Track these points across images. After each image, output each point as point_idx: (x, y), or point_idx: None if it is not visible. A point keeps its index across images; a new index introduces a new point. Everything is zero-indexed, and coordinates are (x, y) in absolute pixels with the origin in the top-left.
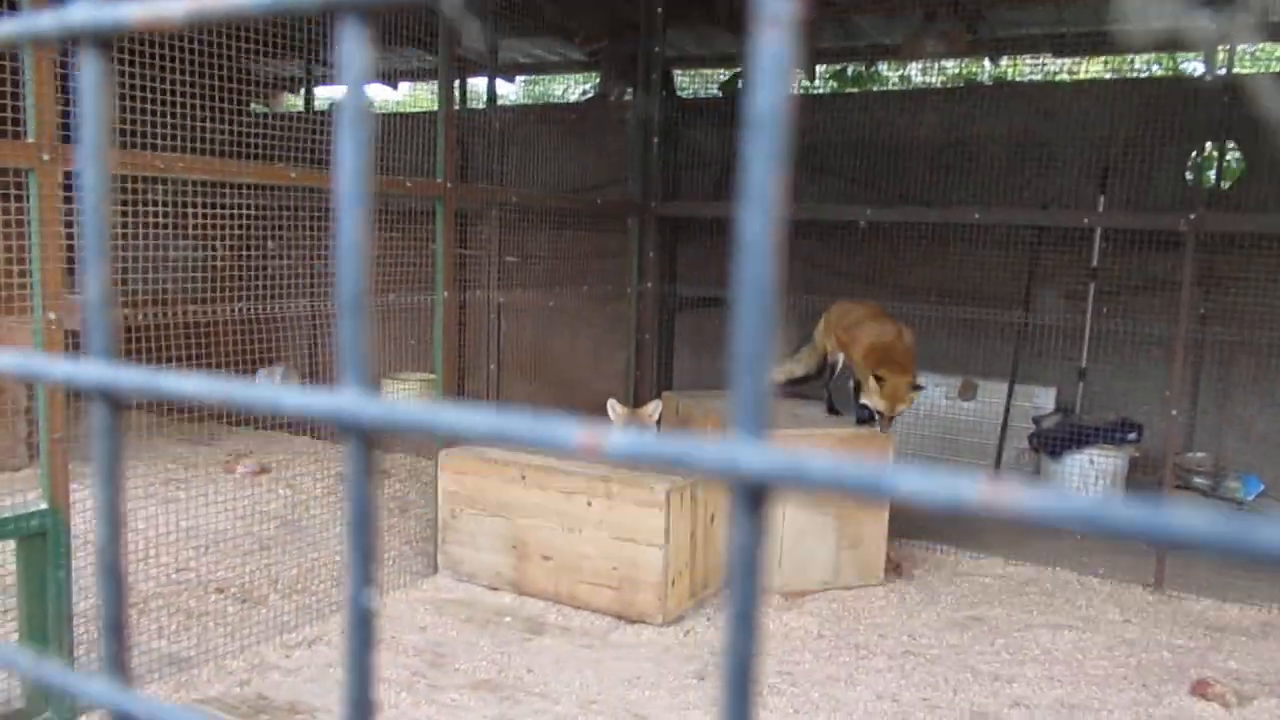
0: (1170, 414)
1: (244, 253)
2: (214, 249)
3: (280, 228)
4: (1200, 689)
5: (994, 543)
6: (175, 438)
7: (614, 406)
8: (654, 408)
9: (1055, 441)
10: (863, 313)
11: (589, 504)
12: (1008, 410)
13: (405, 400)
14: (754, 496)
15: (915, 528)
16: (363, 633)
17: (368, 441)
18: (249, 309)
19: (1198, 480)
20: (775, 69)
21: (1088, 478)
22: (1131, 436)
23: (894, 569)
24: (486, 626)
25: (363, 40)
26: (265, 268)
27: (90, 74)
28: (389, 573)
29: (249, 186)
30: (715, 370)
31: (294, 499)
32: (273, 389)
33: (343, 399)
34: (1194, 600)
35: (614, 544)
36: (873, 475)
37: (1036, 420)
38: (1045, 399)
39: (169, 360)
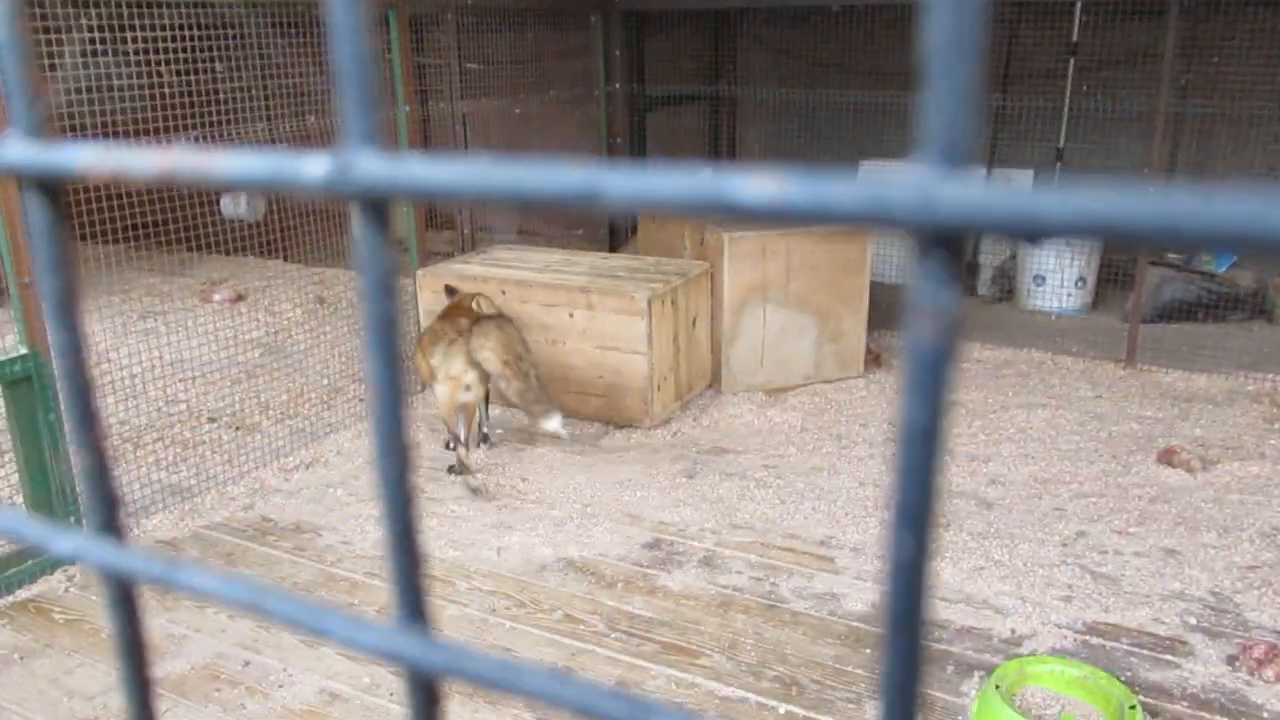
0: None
1: (191, 77)
2: (159, 74)
3: (227, 48)
4: (1167, 456)
5: (972, 328)
6: (146, 269)
7: None
8: None
9: None
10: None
11: (570, 315)
12: None
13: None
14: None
15: (894, 319)
16: (394, 456)
17: (426, 686)
18: (203, 134)
19: (1171, 255)
20: None
21: (1064, 259)
22: None
23: (874, 360)
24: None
25: None
26: (216, 91)
27: None
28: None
29: (189, 4)
30: None
31: (274, 325)
32: (317, 615)
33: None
34: (1163, 373)
35: (598, 353)
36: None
37: None
38: (1023, 182)
39: (128, 194)
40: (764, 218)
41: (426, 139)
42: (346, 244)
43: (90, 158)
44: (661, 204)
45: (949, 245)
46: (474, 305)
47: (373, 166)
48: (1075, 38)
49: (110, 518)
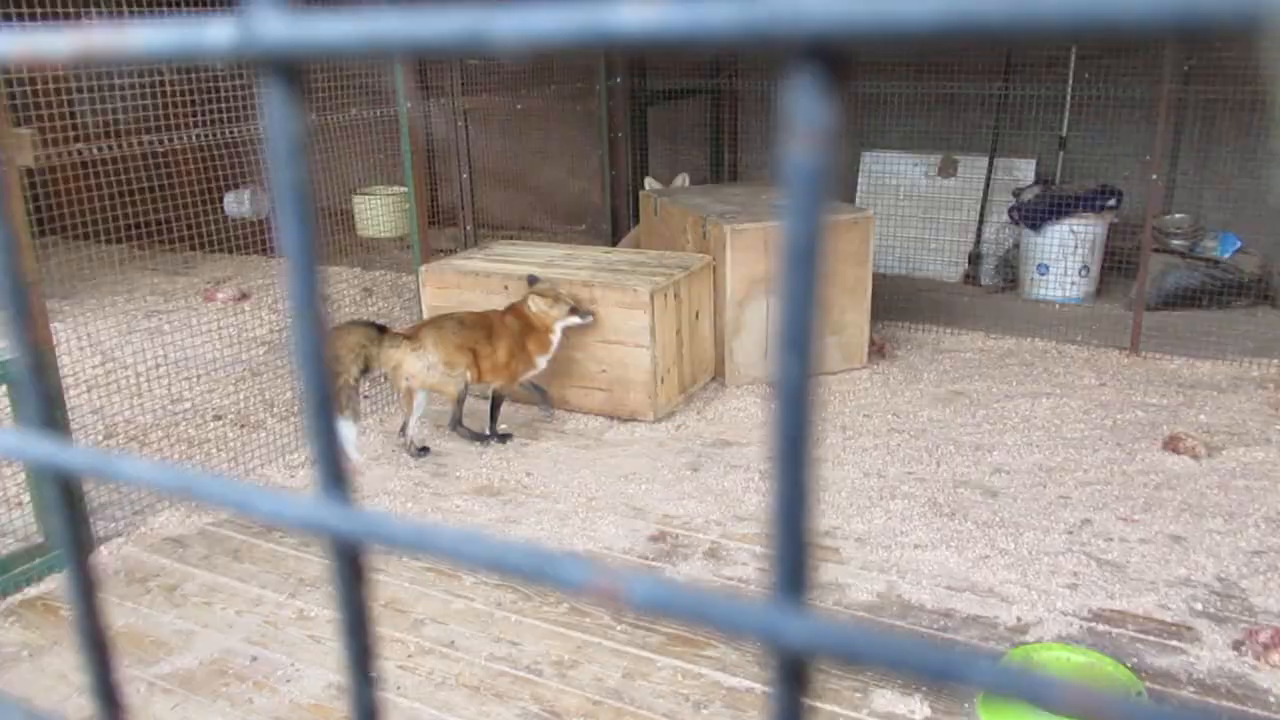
0: (1150, 178)
1: (191, 74)
2: (160, 73)
3: None
4: (1172, 444)
5: (974, 318)
6: (149, 268)
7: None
8: (682, 178)
9: (1035, 213)
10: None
11: None
12: (988, 184)
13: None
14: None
15: (896, 310)
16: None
17: (351, 556)
18: (206, 134)
19: (1175, 242)
20: None
21: (1067, 247)
22: (1111, 203)
23: (877, 351)
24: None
25: None
26: (218, 89)
27: None
28: (382, 389)
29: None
30: (693, 166)
31: (278, 323)
32: (240, 491)
33: (316, 508)
34: (1168, 360)
35: (601, 347)
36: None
37: (1016, 193)
38: (1026, 171)
39: (131, 194)
40: (645, 43)
41: (429, 135)
42: (350, 241)
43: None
44: (548, 39)
45: (822, 58)
46: (526, 306)
47: (277, 27)
48: None
49: (48, 414)
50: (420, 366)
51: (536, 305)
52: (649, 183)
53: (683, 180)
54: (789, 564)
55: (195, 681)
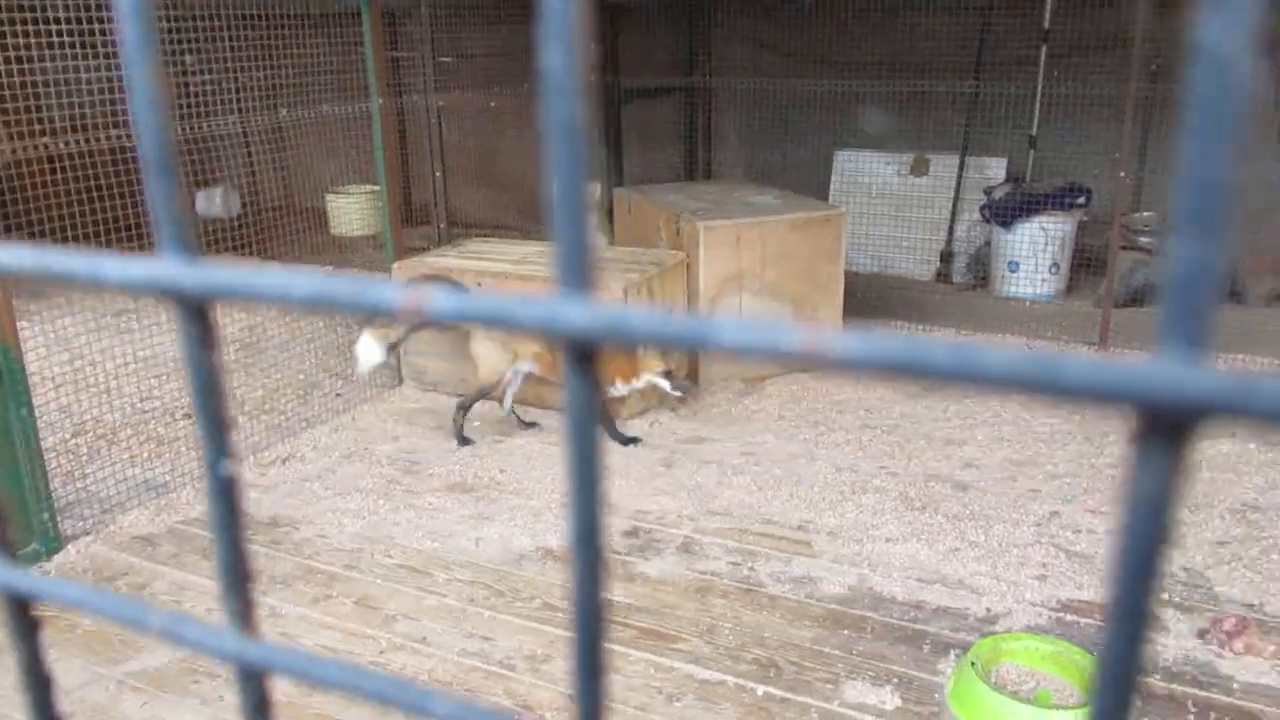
0: (1119, 175)
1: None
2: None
3: (196, 39)
4: None
5: (946, 316)
6: None
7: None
8: (593, 188)
9: (1006, 211)
10: None
11: None
12: (960, 183)
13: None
14: (581, 355)
15: (869, 307)
16: (226, 501)
17: (199, 313)
18: (176, 130)
19: (1143, 240)
20: None
21: (1037, 245)
22: (1080, 201)
23: None
24: None
25: None
26: (186, 85)
27: None
28: (355, 388)
29: None
30: (666, 164)
31: (249, 321)
32: (89, 260)
33: (161, 266)
34: (1136, 355)
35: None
36: (697, 329)
37: (987, 191)
38: (997, 169)
39: (99, 191)
40: None
41: (402, 133)
42: (323, 240)
43: None
44: (324, 301)
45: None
46: None
47: None
48: (1047, 25)
49: None
50: (480, 331)
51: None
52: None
53: (595, 189)
54: (573, 259)
55: (165, 679)
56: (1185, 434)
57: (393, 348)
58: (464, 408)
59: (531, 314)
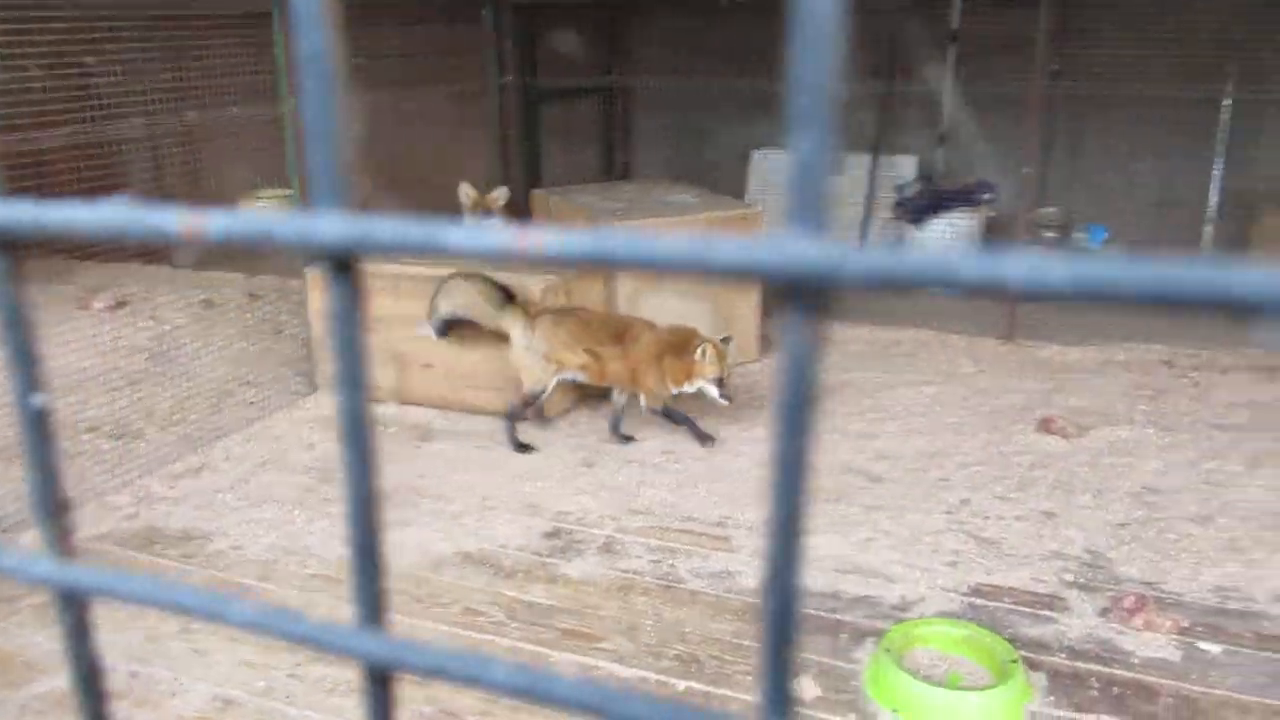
0: (1023, 172)
1: (60, 71)
2: (24, 69)
3: (96, 39)
4: (1045, 425)
5: (862, 312)
6: (18, 279)
7: (465, 191)
8: (500, 193)
9: (917, 209)
10: (603, 321)
11: None
12: (873, 181)
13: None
14: (339, 265)
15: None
16: (38, 432)
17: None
18: (74, 133)
19: (1048, 234)
20: None
21: (947, 239)
22: (986, 197)
23: (768, 345)
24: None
25: None
26: (88, 86)
27: None
28: (269, 394)
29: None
30: (586, 165)
31: (159, 330)
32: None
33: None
34: (1042, 347)
35: (493, 346)
36: (431, 234)
37: (899, 189)
38: (908, 168)
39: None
40: None
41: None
42: (234, 248)
43: None
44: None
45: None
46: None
47: None
48: (956, 25)
49: None
50: (521, 342)
51: (702, 354)
52: (464, 190)
53: (502, 194)
54: (326, 178)
55: (70, 702)
56: (820, 298)
57: (443, 332)
58: (514, 417)
59: (289, 230)
